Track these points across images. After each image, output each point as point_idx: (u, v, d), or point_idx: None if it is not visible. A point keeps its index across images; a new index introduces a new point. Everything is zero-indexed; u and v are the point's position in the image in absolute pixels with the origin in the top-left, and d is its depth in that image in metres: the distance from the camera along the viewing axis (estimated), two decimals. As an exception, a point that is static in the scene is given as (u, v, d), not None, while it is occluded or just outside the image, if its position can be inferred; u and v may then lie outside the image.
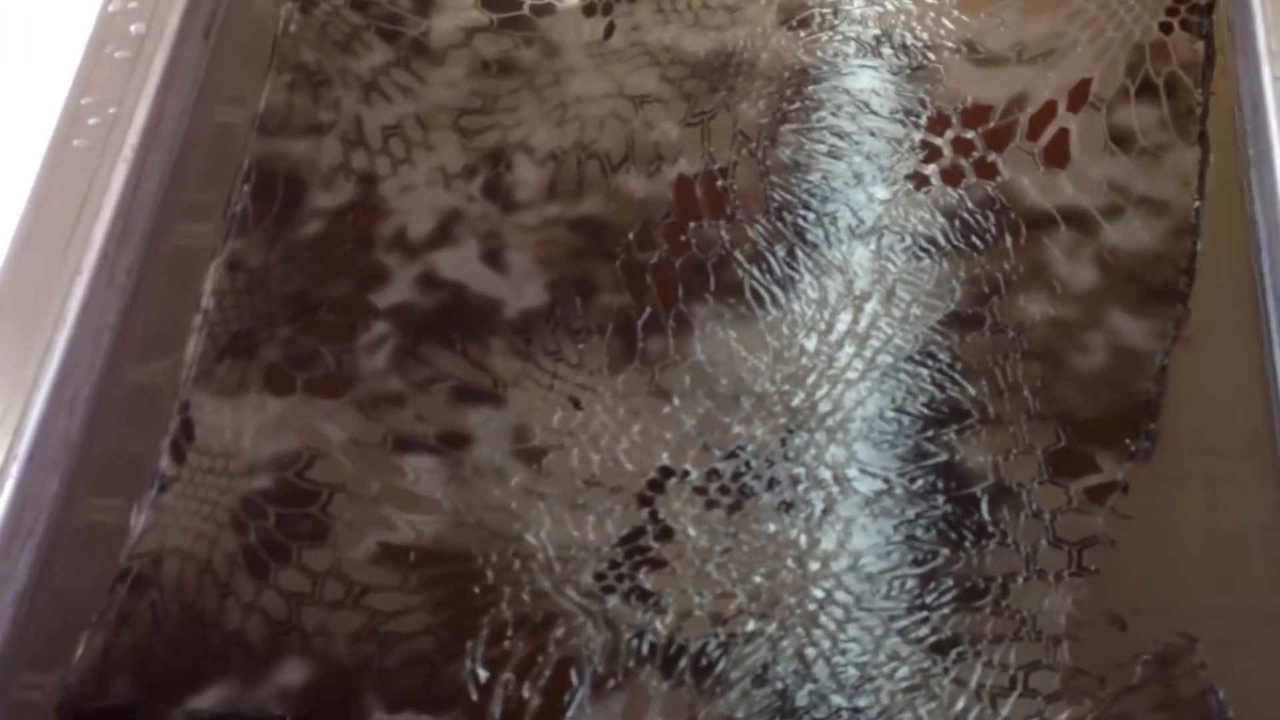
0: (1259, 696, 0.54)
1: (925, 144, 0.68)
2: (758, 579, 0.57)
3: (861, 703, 0.54)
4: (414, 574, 0.58)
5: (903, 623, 0.55)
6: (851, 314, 0.63)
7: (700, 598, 0.56)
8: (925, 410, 0.61)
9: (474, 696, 0.55)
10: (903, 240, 0.65)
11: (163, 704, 0.55)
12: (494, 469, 0.60)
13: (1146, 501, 0.58)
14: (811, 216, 0.66)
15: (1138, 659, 0.54)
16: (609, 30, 0.73)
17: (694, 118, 0.70)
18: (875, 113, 0.69)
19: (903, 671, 0.54)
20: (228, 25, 0.75)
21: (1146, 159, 0.67)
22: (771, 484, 0.59)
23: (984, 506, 0.58)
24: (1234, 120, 0.68)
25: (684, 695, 0.54)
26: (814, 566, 0.57)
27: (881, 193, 0.67)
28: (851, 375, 0.62)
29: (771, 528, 0.58)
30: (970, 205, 0.66)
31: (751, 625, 0.56)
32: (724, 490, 0.59)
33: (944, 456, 0.59)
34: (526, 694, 0.55)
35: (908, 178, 0.67)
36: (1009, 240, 0.65)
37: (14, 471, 0.59)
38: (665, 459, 0.60)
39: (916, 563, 0.57)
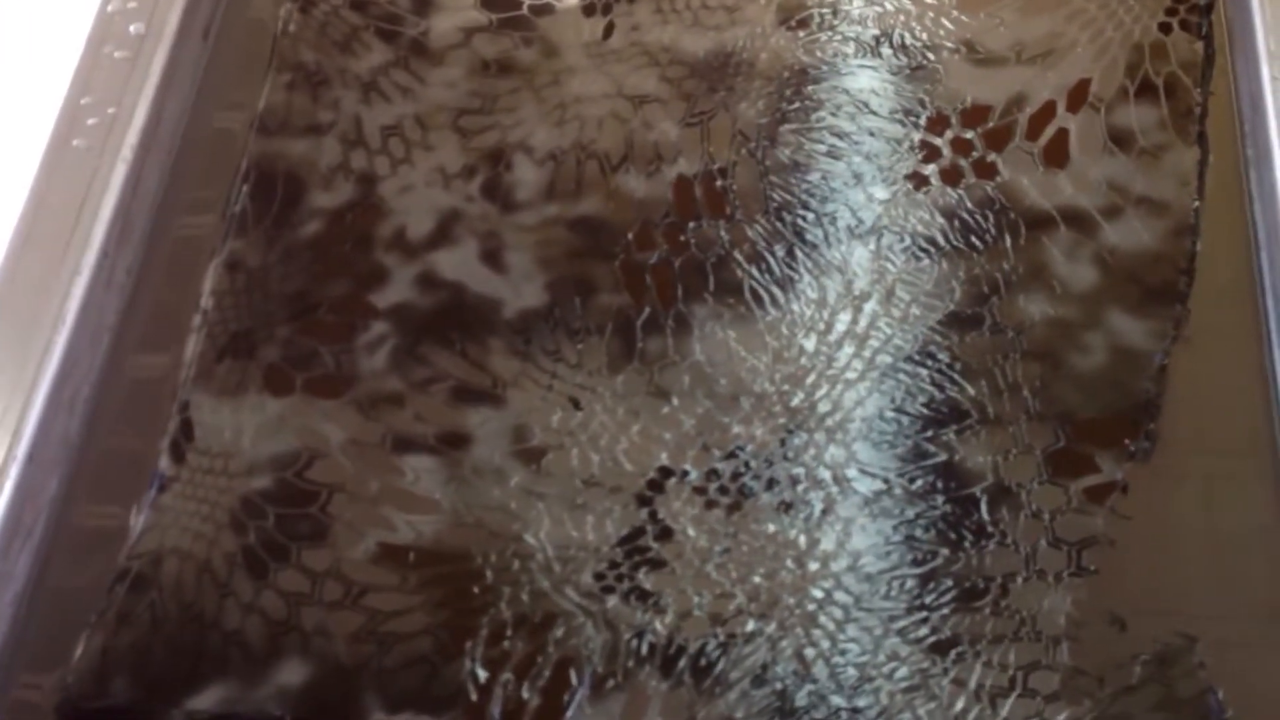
0: (1258, 696, 0.54)
1: (925, 144, 0.68)
2: (757, 579, 0.57)
3: (861, 703, 0.54)
4: (413, 574, 0.58)
5: (902, 623, 0.55)
6: (851, 314, 0.63)
7: (699, 598, 0.56)
8: (925, 410, 0.61)
9: (473, 697, 0.55)
10: (902, 240, 0.65)
11: (162, 704, 0.55)
12: (493, 469, 0.60)
13: (1146, 502, 0.58)
14: (811, 216, 0.66)
15: (1137, 659, 0.54)
16: (608, 30, 0.73)
17: (693, 118, 0.70)
18: (875, 113, 0.69)
19: (902, 672, 0.54)
20: (227, 25, 0.75)
21: (1146, 159, 0.67)
22: (771, 484, 0.59)
23: (983, 507, 0.58)
24: (1233, 120, 0.68)
25: (683, 695, 0.54)
26: (813, 567, 0.57)
27: (881, 193, 0.67)
28: (851, 375, 0.62)
29: (771, 528, 0.58)
30: (970, 205, 0.66)
31: (751, 625, 0.56)
32: (723, 490, 0.59)
33: (943, 457, 0.59)
34: (526, 694, 0.55)
35: (907, 178, 0.67)
36: (1008, 240, 0.65)
37: (13, 472, 0.59)
38: (664, 459, 0.60)
39: (916, 563, 0.57)
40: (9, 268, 0.64)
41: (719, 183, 0.68)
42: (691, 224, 0.66)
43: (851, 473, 0.59)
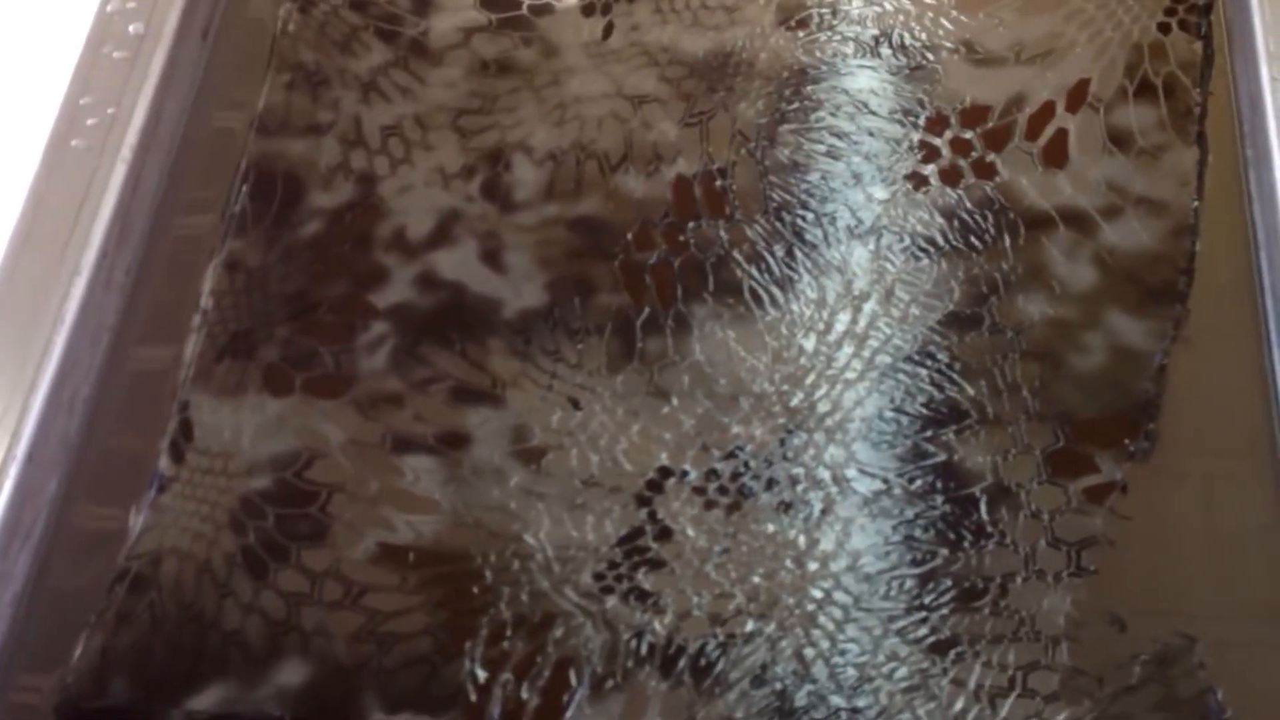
0: (1258, 696, 0.54)
1: (924, 144, 0.68)
2: (756, 579, 0.57)
3: (860, 703, 0.54)
4: (413, 574, 0.58)
5: (901, 623, 0.55)
6: (850, 314, 0.63)
7: (699, 598, 0.56)
8: (924, 410, 0.61)
9: (473, 697, 0.55)
10: (901, 240, 0.65)
11: (161, 704, 0.55)
12: (493, 469, 0.60)
13: (1145, 502, 0.58)
14: (810, 216, 0.66)
15: (1136, 659, 0.54)
16: (608, 30, 0.73)
17: (692, 118, 0.70)
18: (874, 113, 0.69)
19: (901, 672, 0.54)
20: (226, 25, 0.75)
21: (1145, 159, 0.67)
22: (770, 484, 0.59)
23: (983, 507, 0.58)
24: (1232, 120, 0.68)
25: (683, 696, 0.54)
26: (813, 567, 0.57)
27: (880, 193, 0.67)
28: (850, 375, 0.62)
29: (770, 528, 0.58)
30: (969, 205, 0.66)
31: (750, 625, 0.56)
32: (723, 490, 0.59)
33: (943, 457, 0.59)
34: (525, 694, 0.55)
35: (906, 178, 0.67)
36: (1008, 240, 0.65)
37: (13, 472, 0.59)
38: (664, 459, 0.60)
39: (915, 563, 0.57)
40: (8, 267, 0.64)
41: (718, 183, 0.68)
42: (691, 224, 0.66)
43: (851, 473, 0.59)
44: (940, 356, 0.62)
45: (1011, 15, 0.72)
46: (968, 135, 0.68)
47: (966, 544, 0.57)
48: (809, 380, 0.62)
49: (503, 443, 0.61)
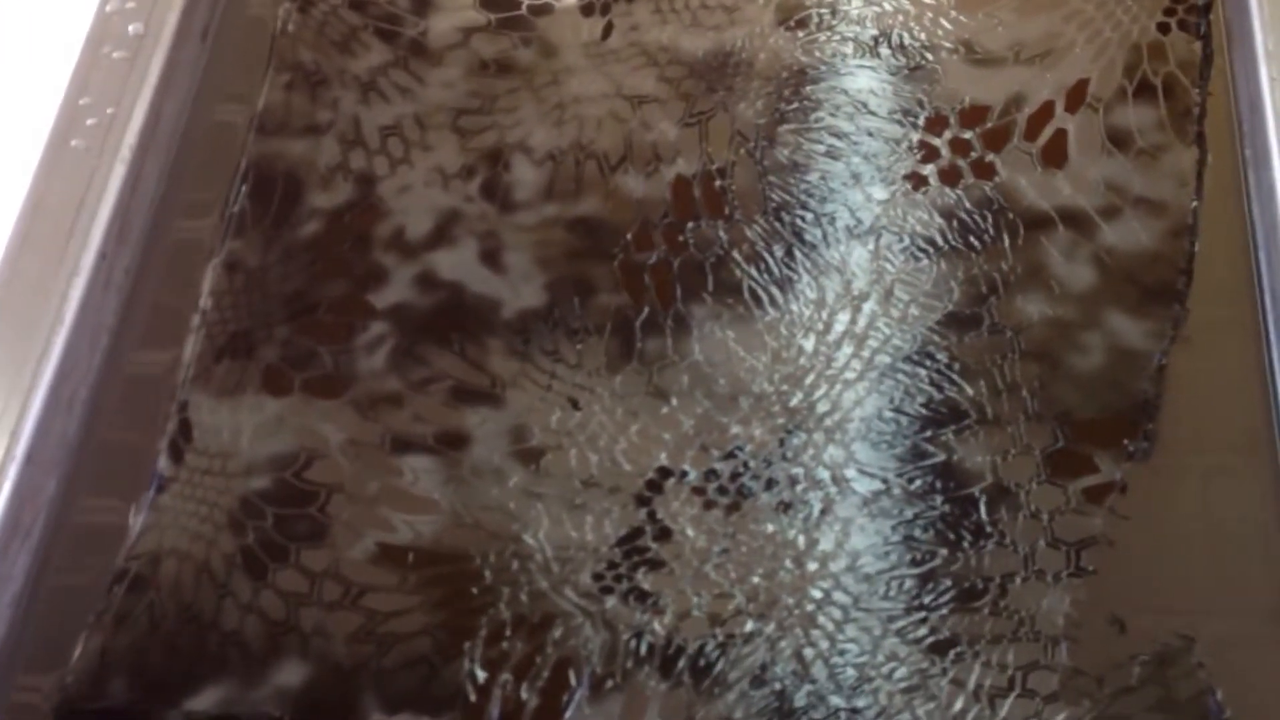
0: (1257, 696, 0.54)
1: (923, 144, 0.68)
2: (756, 579, 0.57)
3: (860, 703, 0.54)
4: (412, 574, 0.58)
5: (901, 623, 0.55)
6: (849, 314, 0.63)
7: (698, 598, 0.56)
8: (923, 410, 0.61)
9: (472, 697, 0.55)
10: (901, 240, 0.65)
11: (160, 705, 0.55)
12: (492, 469, 0.60)
13: (1145, 501, 0.58)
14: (809, 217, 0.66)
15: (1136, 659, 0.54)
16: (607, 30, 0.73)
17: (692, 118, 0.70)
18: (873, 113, 0.69)
19: (901, 672, 0.54)
20: (225, 25, 0.75)
21: (1144, 159, 0.67)
22: (770, 484, 0.59)
23: (982, 507, 0.58)
24: (1232, 121, 0.68)
25: (682, 696, 0.54)
26: (812, 567, 0.57)
27: (879, 193, 0.67)
28: (850, 375, 0.62)
29: (769, 528, 0.58)
30: (968, 205, 0.66)
31: (750, 626, 0.56)
32: (722, 490, 0.59)
33: (942, 457, 0.59)
34: (525, 695, 0.55)
35: (906, 178, 0.67)
36: (1007, 240, 0.65)
37: (12, 472, 0.59)
38: (663, 459, 0.60)
39: (915, 563, 0.57)
40: (8, 268, 0.64)
41: (718, 183, 0.68)
42: (690, 224, 0.66)
43: (850, 473, 0.59)
44: (939, 357, 0.62)
45: (1010, 15, 0.72)
46: (967, 135, 0.68)
47: (966, 544, 0.57)
48: (808, 380, 0.62)
49: (502, 443, 0.61)
